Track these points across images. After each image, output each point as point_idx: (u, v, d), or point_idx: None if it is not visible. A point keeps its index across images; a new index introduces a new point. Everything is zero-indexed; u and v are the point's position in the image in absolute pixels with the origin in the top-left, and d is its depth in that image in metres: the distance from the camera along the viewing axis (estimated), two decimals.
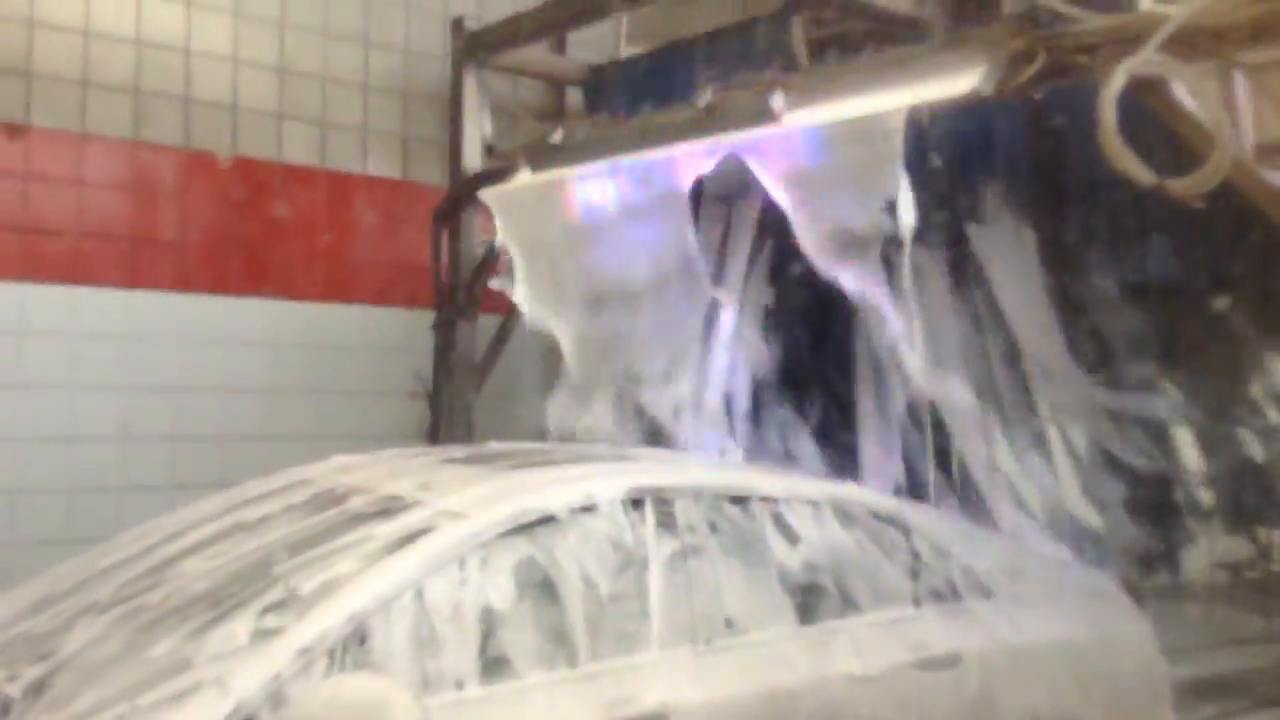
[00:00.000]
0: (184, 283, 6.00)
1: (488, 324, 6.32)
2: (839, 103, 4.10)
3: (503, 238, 5.55)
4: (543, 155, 5.27)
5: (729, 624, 3.00)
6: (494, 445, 3.82)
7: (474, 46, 6.15)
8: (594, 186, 4.88)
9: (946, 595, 3.45)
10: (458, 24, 6.29)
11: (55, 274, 5.62)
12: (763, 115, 4.18)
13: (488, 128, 6.15)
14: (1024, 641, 3.47)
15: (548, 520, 2.89)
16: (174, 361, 5.92)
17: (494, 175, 5.78)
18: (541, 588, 2.81)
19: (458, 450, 3.71)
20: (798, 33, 5.00)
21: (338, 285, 6.50)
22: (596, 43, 7.10)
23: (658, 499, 3.07)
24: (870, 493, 3.80)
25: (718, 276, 5.11)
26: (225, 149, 6.14)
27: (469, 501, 2.91)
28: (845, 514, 3.38)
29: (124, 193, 5.87)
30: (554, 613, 2.79)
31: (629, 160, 4.71)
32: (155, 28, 5.97)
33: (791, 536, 3.24)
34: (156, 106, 5.97)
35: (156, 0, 5.96)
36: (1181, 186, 3.50)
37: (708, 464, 4.08)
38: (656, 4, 5.98)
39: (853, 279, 4.24)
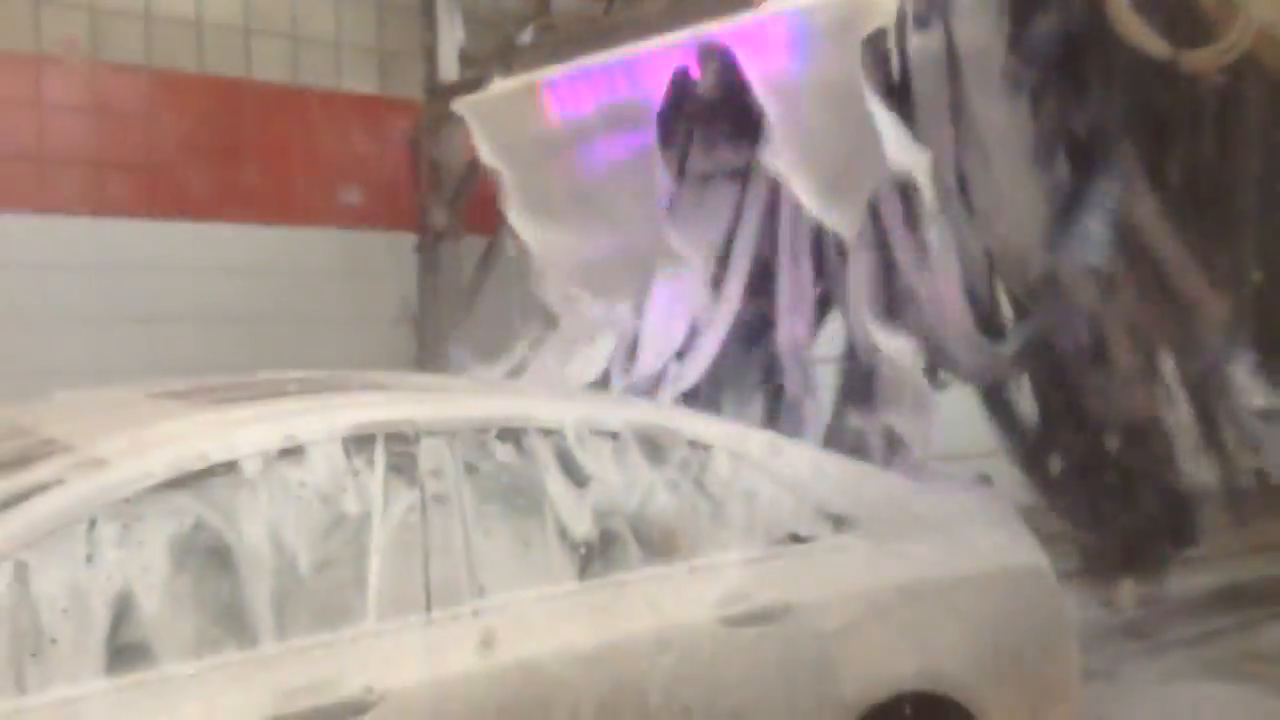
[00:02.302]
0: (152, 208, 5.75)
1: (474, 245, 6.06)
2: None
3: (482, 150, 5.24)
4: (513, 59, 4.94)
5: (479, 587, 2.49)
6: (264, 375, 3.19)
7: None
8: (566, 89, 4.54)
9: (783, 536, 2.92)
10: None
11: (17, 202, 5.39)
12: (739, 2, 3.82)
13: (461, 35, 5.80)
14: (884, 584, 2.95)
15: (226, 469, 2.33)
16: (146, 290, 5.70)
17: (469, 85, 5.45)
18: (212, 555, 2.28)
19: (218, 382, 3.04)
20: None
21: (316, 208, 6.22)
22: None
23: (392, 437, 2.52)
24: (693, 418, 3.20)
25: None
26: (72, 44, 5.55)
27: (120, 447, 2.35)
28: (653, 446, 2.83)
29: (85, 116, 5.60)
30: (226, 586, 2.27)
31: (599, 62, 4.36)
32: None
33: (579, 476, 2.72)
34: (116, 24, 5.67)
35: None
36: (1199, 59, 3.15)
37: (477, 390, 3.31)
38: None
39: (837, 217, 3.82)
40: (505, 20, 6.23)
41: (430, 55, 5.91)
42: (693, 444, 2.88)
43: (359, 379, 3.05)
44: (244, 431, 2.44)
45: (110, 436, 2.43)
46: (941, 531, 3.14)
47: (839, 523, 2.97)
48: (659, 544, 2.75)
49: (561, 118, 4.62)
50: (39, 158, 5.47)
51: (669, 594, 2.69)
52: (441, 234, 5.99)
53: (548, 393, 3.38)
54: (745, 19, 3.88)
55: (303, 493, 2.40)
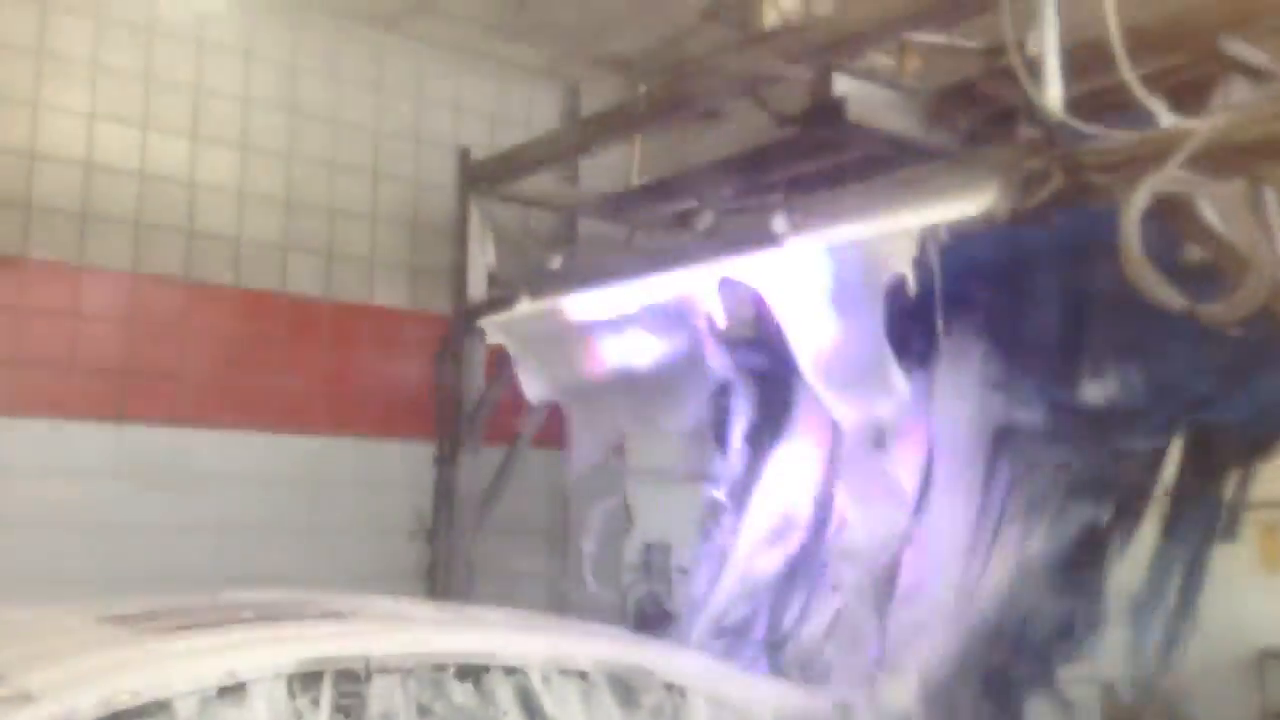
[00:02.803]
0: (176, 416, 5.82)
1: (492, 457, 6.08)
2: (844, 226, 3.90)
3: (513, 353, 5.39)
4: (541, 282, 5.10)
5: None
6: (226, 596, 3.10)
7: (478, 176, 6.06)
8: (594, 313, 4.68)
9: None
10: (463, 153, 6.22)
11: (44, 408, 5.46)
12: (765, 238, 3.98)
13: (491, 257, 6.01)
14: None
15: (159, 708, 2.17)
16: (163, 498, 5.70)
17: (496, 304, 5.62)
18: None
19: (175, 604, 2.96)
20: None
21: (338, 417, 6.30)
22: (610, 171, 7.02)
23: (342, 675, 2.35)
24: (669, 656, 3.04)
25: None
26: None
27: (52, 682, 2.20)
28: (626, 687, 2.68)
29: (120, 325, 5.75)
30: None
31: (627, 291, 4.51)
32: (159, 160, 5.93)
33: (542, 718, 2.54)
34: (158, 238, 5.90)
35: (161, 134, 5.94)
36: (1216, 313, 3.23)
37: (439, 622, 3.14)
38: (667, 134, 5.90)
39: (850, 413, 3.94)
40: (533, 244, 6.48)
41: (460, 274, 6.10)
42: (669, 686, 2.74)
43: (319, 605, 2.93)
44: (182, 666, 2.29)
45: (44, 667, 2.31)
46: None
47: None
48: None
49: (594, 343, 4.76)
50: (70, 366, 5.59)
51: None
52: (460, 444, 6.02)
53: (514, 626, 3.18)
54: (769, 256, 4.03)
55: None
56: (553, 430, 6.11)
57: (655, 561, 7.27)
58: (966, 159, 3.88)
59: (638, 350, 4.74)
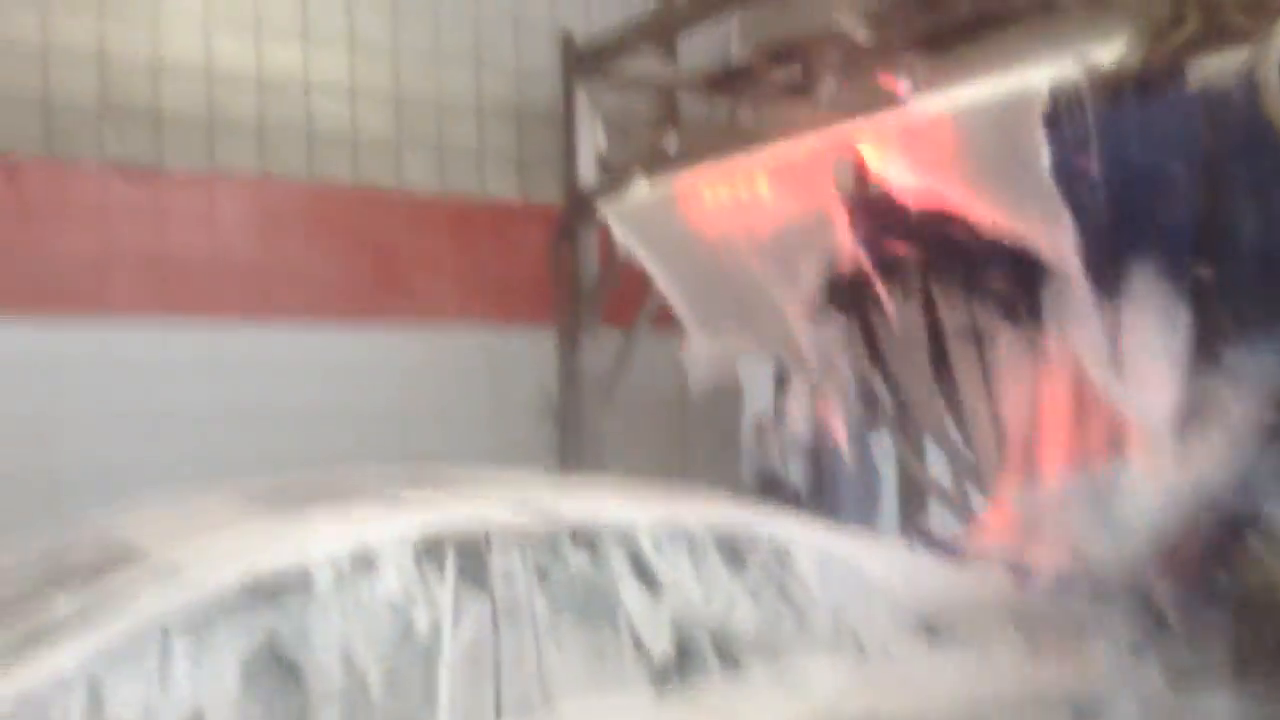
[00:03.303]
0: (314, 313, 6.09)
1: (612, 337, 6.25)
2: (969, 84, 3.88)
3: (629, 248, 5.44)
4: (657, 164, 5.16)
5: (551, 700, 2.40)
6: (356, 472, 3.19)
7: (582, 60, 6.09)
8: (715, 193, 4.72)
9: (873, 644, 2.78)
10: (566, 39, 6.24)
11: (190, 308, 5.76)
12: (888, 102, 3.98)
13: (601, 142, 6.08)
14: (981, 696, 2.79)
15: (301, 578, 2.28)
16: (307, 390, 6.01)
17: (608, 189, 5.70)
18: (283, 671, 2.20)
19: (307, 480, 3.07)
20: None
21: (463, 308, 6.51)
22: (707, 49, 6.98)
23: (464, 544, 2.45)
24: (777, 518, 3.05)
25: None
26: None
27: (193, 555, 2.34)
28: (733, 549, 2.74)
29: (253, 228, 5.99)
30: (297, 703, 2.18)
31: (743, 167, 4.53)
32: (274, 65, 6.08)
33: (655, 582, 2.62)
34: (279, 141, 6.09)
35: (273, 38, 6.08)
36: None
37: (553, 491, 3.15)
38: (767, 4, 5.84)
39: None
40: (640, 126, 6.52)
41: (569, 161, 6.18)
42: (775, 547, 2.79)
43: (442, 475, 3.06)
44: (316, 538, 2.40)
45: (187, 542, 2.46)
46: (1044, 645, 2.99)
47: (933, 631, 2.86)
48: (739, 653, 2.64)
49: (708, 219, 4.80)
50: (210, 267, 5.86)
51: (750, 706, 2.57)
52: (580, 329, 6.19)
53: (626, 494, 3.18)
54: (891, 118, 4.03)
55: (373, 605, 2.33)
56: (670, 312, 6.23)
57: (767, 438, 7.42)
58: (1096, 6, 3.81)
59: (759, 227, 4.74)
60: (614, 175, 5.88)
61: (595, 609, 2.55)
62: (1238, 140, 3.76)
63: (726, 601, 2.67)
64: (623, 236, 5.28)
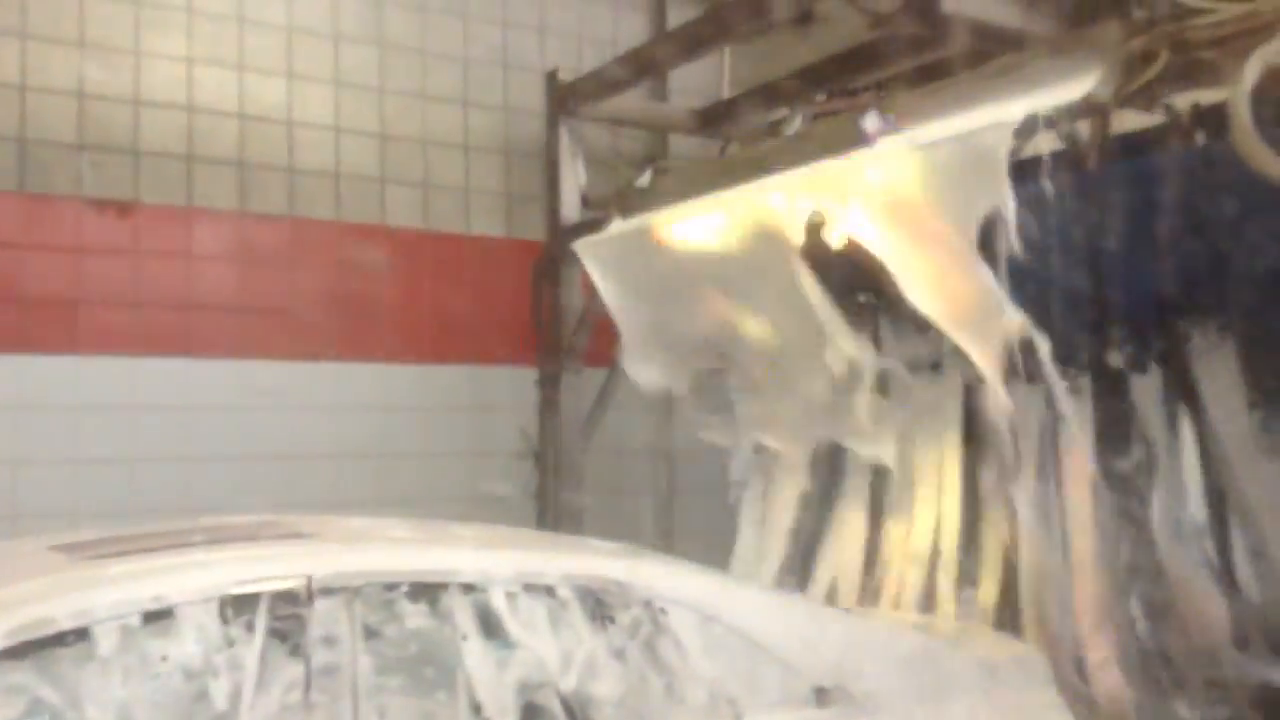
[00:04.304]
0: (293, 351, 6.02)
1: (594, 378, 6.16)
2: (938, 122, 3.79)
3: (600, 288, 5.39)
4: (631, 201, 5.09)
5: None
6: (203, 521, 2.95)
7: (567, 97, 6.05)
8: (687, 230, 4.64)
9: (747, 711, 2.53)
10: (551, 76, 6.21)
11: (164, 347, 5.70)
12: (856, 139, 3.89)
13: (583, 178, 6.02)
14: None
15: (78, 637, 2.03)
16: (285, 429, 5.93)
17: (588, 226, 5.64)
18: None
19: (134, 532, 2.78)
20: None
21: (443, 346, 6.44)
22: (699, 87, 6.94)
23: (280, 597, 2.20)
24: (654, 569, 2.76)
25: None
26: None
27: None
28: (599, 605, 2.50)
29: (232, 264, 5.95)
30: None
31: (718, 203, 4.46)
32: (257, 101, 6.06)
33: (504, 640, 2.38)
34: (261, 178, 6.06)
35: (259, 75, 6.07)
36: None
37: (403, 539, 2.87)
38: (755, 44, 5.79)
39: (953, 324, 3.79)
40: (624, 164, 6.47)
41: (552, 198, 6.13)
42: (649, 604, 2.55)
43: (285, 526, 2.76)
44: (104, 592, 2.13)
45: None
46: (952, 699, 2.77)
47: (822, 693, 2.62)
48: (594, 718, 2.40)
49: (682, 257, 4.72)
50: (187, 304, 5.81)
51: None
52: (561, 367, 6.11)
53: (483, 542, 2.92)
54: (861, 156, 3.94)
55: (164, 668, 2.07)
56: None
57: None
58: (1067, 43, 3.73)
59: (726, 266, 4.68)
60: (595, 212, 5.83)
61: (431, 670, 2.31)
62: (1217, 186, 3.68)
63: (587, 663, 2.44)
64: (594, 271, 5.23)
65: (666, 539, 6.66)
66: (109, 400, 5.56)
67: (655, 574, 2.70)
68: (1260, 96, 3.16)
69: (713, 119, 6.35)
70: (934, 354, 4.37)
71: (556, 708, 2.38)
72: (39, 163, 5.48)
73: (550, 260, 6.06)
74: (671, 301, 4.91)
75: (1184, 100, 3.66)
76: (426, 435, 6.30)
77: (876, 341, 4.75)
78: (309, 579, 2.26)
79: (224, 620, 2.15)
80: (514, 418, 6.32)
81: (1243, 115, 3.13)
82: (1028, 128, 3.58)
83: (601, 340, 5.95)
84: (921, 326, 4.16)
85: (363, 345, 6.22)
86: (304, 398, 6.04)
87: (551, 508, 6.04)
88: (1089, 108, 3.63)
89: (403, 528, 2.98)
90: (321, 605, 2.23)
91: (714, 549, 6.11)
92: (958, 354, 4.06)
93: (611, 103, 6.13)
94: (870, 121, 3.88)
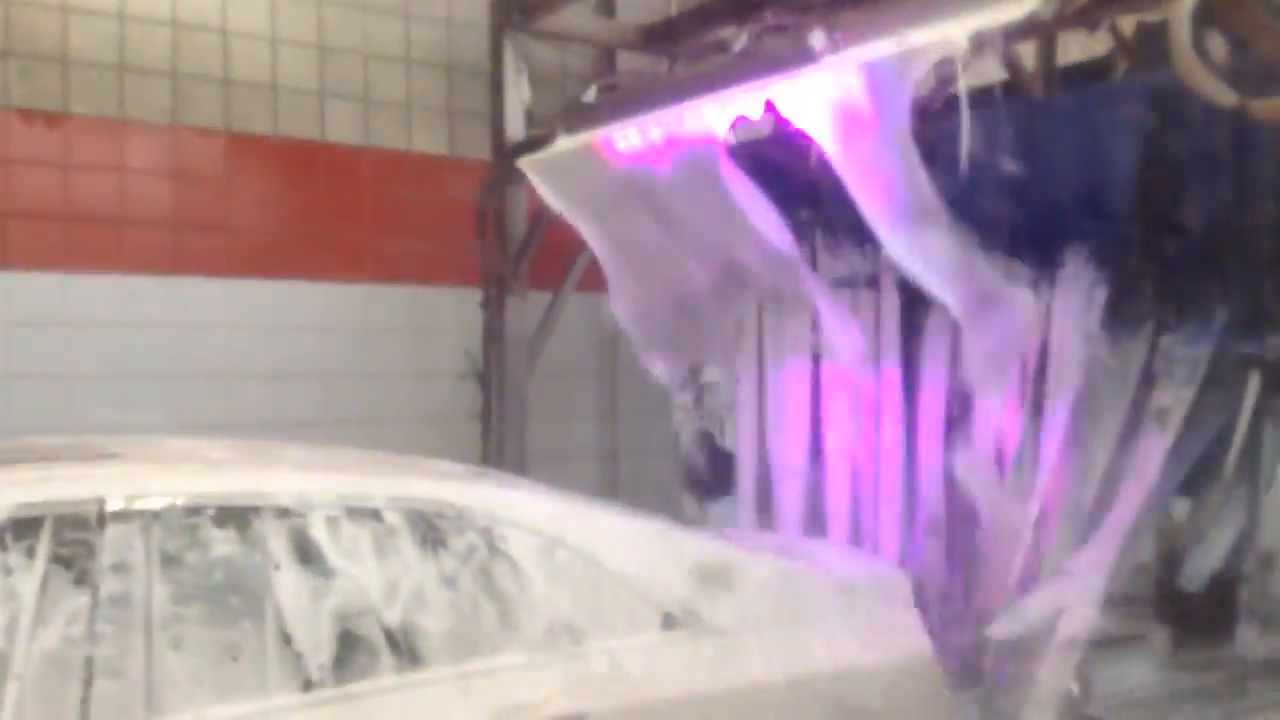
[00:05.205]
0: (229, 268, 5.91)
1: (538, 300, 6.12)
2: (883, 40, 3.76)
3: (550, 202, 5.34)
4: (577, 117, 5.02)
5: (158, 712, 2.03)
6: (24, 441, 2.80)
7: (511, 11, 5.91)
8: (629, 144, 4.60)
9: (588, 638, 2.46)
10: None
11: (99, 263, 5.57)
12: (802, 57, 3.85)
13: (527, 95, 5.91)
14: (711, 689, 2.52)
15: None
16: (221, 348, 5.85)
17: (534, 144, 5.54)
18: None
19: None
20: None
21: (385, 266, 6.36)
22: (646, 3, 6.82)
23: (65, 520, 2.06)
24: (491, 490, 2.66)
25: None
26: None
27: None
28: (428, 525, 2.38)
29: (165, 178, 5.80)
30: None
31: (658, 115, 4.42)
32: (191, 9, 5.86)
33: (321, 567, 2.25)
34: (195, 89, 5.89)
35: None
36: (1270, 107, 3.10)
37: (217, 460, 2.66)
38: None
39: (902, 248, 3.82)
40: (570, 80, 6.36)
41: (497, 115, 6.02)
42: (485, 528, 2.43)
43: (95, 448, 2.58)
44: None
45: None
46: (811, 623, 2.74)
47: (670, 618, 2.57)
48: (420, 651, 2.29)
49: (626, 170, 4.69)
50: (119, 219, 5.66)
51: (420, 709, 2.24)
52: (506, 289, 6.05)
53: (305, 464, 2.70)
54: (808, 72, 3.91)
55: None
56: (597, 274, 6.12)
57: (704, 398, 7.34)
58: None
59: (669, 184, 4.66)
60: (541, 130, 5.73)
61: (236, 600, 2.18)
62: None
63: (414, 591, 2.32)
64: (542, 188, 5.17)
65: (611, 460, 6.71)
66: (40, 318, 5.44)
67: (495, 497, 2.58)
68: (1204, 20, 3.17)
69: (660, 36, 6.24)
70: (872, 269, 4.39)
71: (378, 638, 2.26)
72: None
73: (494, 180, 5.97)
74: (618, 218, 4.88)
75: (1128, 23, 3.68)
76: (369, 356, 6.25)
77: (814, 259, 4.77)
78: (101, 501, 2.12)
79: (2, 546, 2.02)
80: (458, 339, 6.27)
81: (1182, 37, 3.13)
82: (975, 46, 3.57)
83: (546, 263, 5.91)
84: (860, 241, 4.19)
85: (301, 264, 6.12)
86: (241, 316, 5.95)
87: (495, 429, 6.03)
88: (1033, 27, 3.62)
89: (223, 449, 2.82)
90: (114, 530, 2.10)
91: (658, 469, 6.19)
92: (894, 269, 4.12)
93: (557, 18, 6.00)
94: (816, 39, 3.84)
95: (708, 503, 6.55)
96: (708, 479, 6.55)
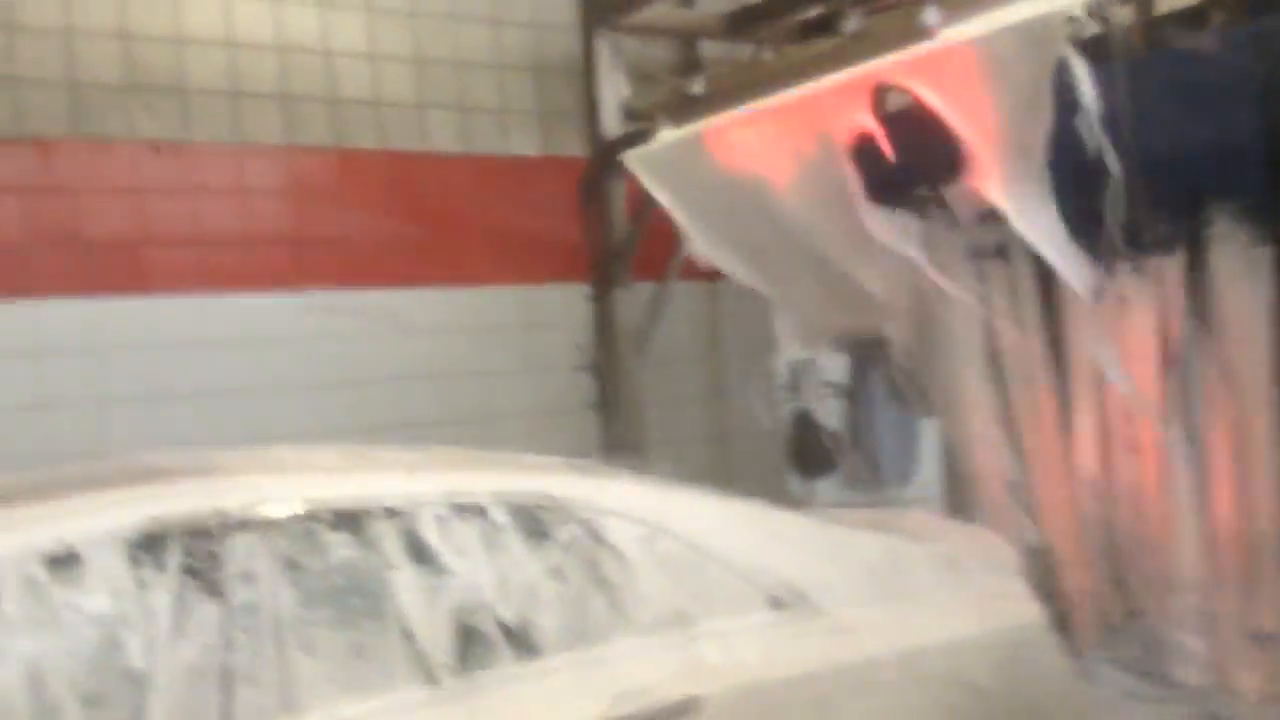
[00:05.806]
0: (347, 280, 6.13)
1: (643, 290, 6.26)
2: (1002, 10, 3.82)
3: (658, 197, 5.44)
4: (682, 108, 5.14)
5: (297, 711, 2.10)
6: (121, 460, 2.78)
7: (601, 8, 6.04)
8: (742, 134, 4.71)
9: (696, 623, 2.48)
10: None
11: (229, 282, 5.81)
12: (916, 34, 3.94)
13: (624, 90, 6.04)
14: (825, 668, 2.54)
15: None
16: (348, 356, 6.07)
17: (634, 138, 5.68)
18: None
19: (54, 475, 2.63)
20: None
21: (492, 268, 6.54)
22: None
23: (191, 534, 2.11)
24: (593, 482, 2.68)
25: None
26: None
27: None
28: (533, 520, 2.43)
29: (283, 197, 6.02)
30: None
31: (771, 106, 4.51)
32: (296, 32, 6.07)
33: (435, 566, 2.31)
34: (304, 110, 6.10)
35: (295, 5, 6.08)
36: None
37: (320, 468, 2.73)
38: None
39: (1018, 208, 3.85)
40: (662, 72, 6.48)
41: (593, 112, 6.16)
42: (586, 520, 2.47)
43: (200, 461, 2.61)
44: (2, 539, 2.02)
45: None
46: (918, 597, 2.75)
47: (776, 600, 2.60)
48: (536, 642, 2.35)
49: (738, 162, 4.79)
50: (245, 240, 5.90)
51: (542, 698, 2.29)
52: (613, 282, 6.20)
53: (401, 464, 2.77)
54: (921, 52, 3.99)
55: (71, 617, 1.99)
56: (699, 262, 6.23)
57: (802, 378, 7.43)
58: None
59: (783, 169, 4.73)
60: (639, 124, 5.86)
61: (359, 601, 2.25)
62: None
63: (524, 584, 2.38)
64: (648, 183, 5.28)
65: (722, 442, 6.84)
66: (176, 337, 5.69)
67: (592, 487, 2.62)
68: None
69: (743, 22, 6.34)
70: (999, 241, 4.42)
71: (495, 632, 2.32)
72: (89, 109, 5.53)
73: (594, 176, 6.11)
74: (728, 208, 4.98)
75: None
76: (484, 355, 6.43)
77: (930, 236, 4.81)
78: (224, 515, 2.18)
79: (133, 564, 2.07)
80: (568, 333, 6.44)
81: None
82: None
83: (650, 254, 6.04)
84: (984, 216, 4.24)
85: (413, 271, 6.32)
86: (360, 325, 6.15)
87: (611, 418, 6.19)
88: None
89: (328, 456, 2.90)
90: (238, 540, 2.15)
91: (770, 451, 6.31)
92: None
93: (644, 12, 6.12)
94: (931, 14, 3.92)
95: (810, 480, 6.67)
96: (810, 457, 6.67)
